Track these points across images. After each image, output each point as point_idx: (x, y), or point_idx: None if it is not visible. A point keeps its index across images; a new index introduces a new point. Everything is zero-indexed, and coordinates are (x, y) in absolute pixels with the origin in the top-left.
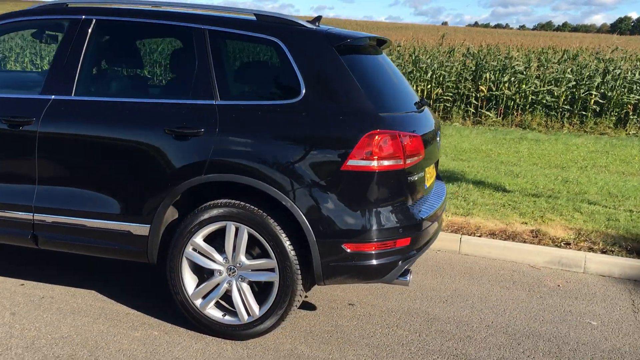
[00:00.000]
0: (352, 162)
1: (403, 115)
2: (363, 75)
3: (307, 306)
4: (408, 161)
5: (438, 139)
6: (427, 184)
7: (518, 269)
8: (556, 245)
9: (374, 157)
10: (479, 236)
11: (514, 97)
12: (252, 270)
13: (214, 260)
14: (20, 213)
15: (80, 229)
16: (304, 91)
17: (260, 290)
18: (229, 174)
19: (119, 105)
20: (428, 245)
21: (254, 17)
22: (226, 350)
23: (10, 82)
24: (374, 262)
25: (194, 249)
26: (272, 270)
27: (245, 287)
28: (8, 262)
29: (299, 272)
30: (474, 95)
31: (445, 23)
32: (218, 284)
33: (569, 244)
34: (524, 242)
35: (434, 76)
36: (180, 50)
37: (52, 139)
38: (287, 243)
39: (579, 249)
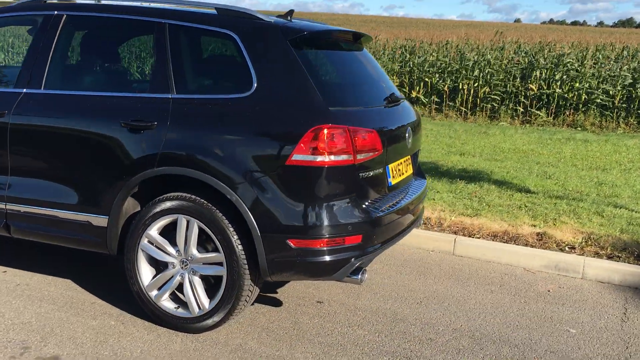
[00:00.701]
0: (297, 157)
1: (361, 110)
2: (321, 69)
3: (273, 302)
4: (359, 157)
5: (410, 135)
6: (394, 180)
7: (510, 272)
8: (560, 249)
9: (319, 152)
10: (479, 237)
11: (566, 95)
12: (203, 263)
13: (167, 253)
14: None
15: (47, 219)
16: (255, 85)
17: (213, 285)
18: (179, 167)
19: (82, 99)
20: (392, 242)
21: (214, 11)
22: (175, 342)
23: None
24: (321, 258)
25: (149, 241)
26: (220, 264)
27: (197, 280)
28: None
29: (246, 266)
30: (523, 93)
31: (518, 20)
32: (172, 277)
33: (574, 248)
34: (526, 244)
35: (481, 74)
36: (143, 45)
37: (22, 131)
38: (234, 237)
39: (582, 254)
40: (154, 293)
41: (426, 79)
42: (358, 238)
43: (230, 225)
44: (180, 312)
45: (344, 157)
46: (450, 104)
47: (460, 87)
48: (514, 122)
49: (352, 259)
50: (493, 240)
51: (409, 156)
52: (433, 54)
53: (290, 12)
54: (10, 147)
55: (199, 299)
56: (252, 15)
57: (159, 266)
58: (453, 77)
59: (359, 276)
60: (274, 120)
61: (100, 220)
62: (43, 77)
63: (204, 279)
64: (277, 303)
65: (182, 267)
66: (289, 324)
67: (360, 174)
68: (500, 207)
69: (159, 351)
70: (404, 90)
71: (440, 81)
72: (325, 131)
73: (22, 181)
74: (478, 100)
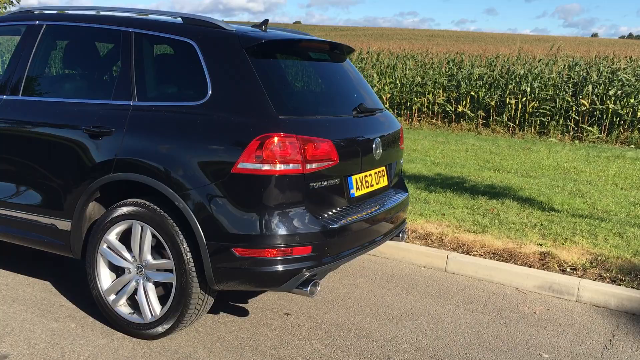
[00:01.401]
0: (242, 165)
1: (318, 120)
2: (281, 77)
3: (240, 312)
4: (309, 166)
5: (380, 146)
6: (358, 192)
7: (500, 292)
8: (561, 270)
9: (265, 160)
10: (478, 255)
11: (620, 111)
12: (156, 270)
13: (124, 258)
14: None
15: (17, 221)
16: (209, 93)
17: (167, 292)
18: (132, 173)
19: (53, 105)
20: (356, 254)
21: (179, 20)
22: (126, 348)
23: None
24: (266, 269)
25: (108, 247)
26: (170, 271)
27: (150, 286)
28: None
29: (194, 274)
30: (574, 109)
31: (595, 35)
32: (128, 282)
33: (575, 269)
34: (525, 264)
35: (529, 89)
36: (111, 53)
37: (0, 136)
38: (183, 244)
39: (582, 276)
40: (111, 298)
41: (472, 93)
42: (307, 249)
43: (180, 232)
44: (134, 317)
45: (291, 166)
46: (498, 119)
47: (508, 101)
48: (564, 139)
49: (303, 270)
50: (492, 258)
51: (383, 167)
52: (480, 67)
53: (265, 21)
54: None
55: (151, 305)
56: (214, 24)
57: (117, 271)
58: (500, 92)
59: (309, 288)
60: (223, 128)
61: (65, 224)
62: (22, 85)
63: (159, 286)
64: (244, 313)
65: (137, 273)
66: (247, 335)
67: (311, 184)
68: (512, 225)
69: (106, 356)
70: (450, 105)
71: (487, 95)
72: (272, 139)
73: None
74: (526, 115)
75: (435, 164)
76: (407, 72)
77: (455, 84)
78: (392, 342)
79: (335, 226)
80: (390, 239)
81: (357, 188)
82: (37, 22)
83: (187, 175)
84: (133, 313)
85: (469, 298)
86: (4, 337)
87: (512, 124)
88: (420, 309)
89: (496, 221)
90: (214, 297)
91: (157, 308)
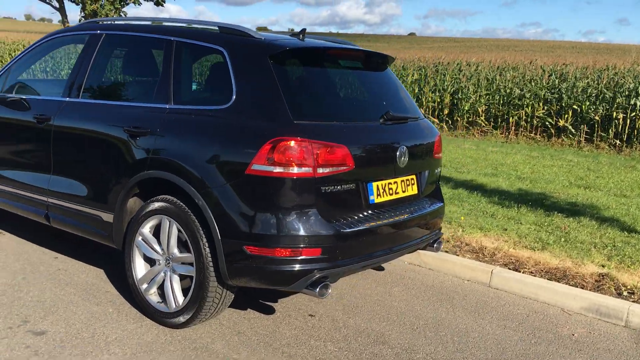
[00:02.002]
0: (255, 167)
1: (337, 125)
2: (301, 83)
3: (266, 310)
4: (321, 170)
5: (405, 154)
6: (379, 199)
7: (542, 311)
8: (618, 293)
9: (276, 163)
10: (529, 272)
11: None
12: (181, 263)
13: (155, 250)
14: (38, 196)
15: (74, 212)
16: (234, 97)
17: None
18: (162, 171)
19: (103, 107)
20: (373, 262)
21: (216, 29)
22: (150, 334)
23: (47, 87)
24: (276, 267)
25: (142, 239)
26: (191, 264)
27: (175, 278)
28: (64, 240)
29: (211, 269)
30: None
31: None
32: (158, 273)
33: (633, 293)
34: (577, 285)
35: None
36: (156, 59)
37: (61, 134)
38: (203, 240)
39: (637, 300)
40: (143, 286)
41: (575, 106)
42: (317, 251)
43: (200, 228)
44: (161, 306)
45: (302, 169)
46: (603, 134)
47: (615, 116)
48: None
49: (314, 272)
50: (543, 276)
51: (413, 176)
52: (585, 79)
53: (303, 30)
54: (53, 147)
55: (175, 296)
56: (244, 32)
57: (150, 262)
58: (606, 106)
59: (317, 289)
60: (241, 131)
61: (108, 216)
62: (81, 88)
63: (185, 278)
64: (269, 311)
65: (165, 265)
66: (266, 332)
67: (323, 188)
68: (579, 244)
69: (131, 339)
70: (550, 118)
71: (592, 109)
72: (283, 143)
73: (59, 177)
74: (635, 131)
75: (520, 178)
76: (507, 83)
77: (557, 96)
78: (407, 351)
79: (347, 231)
80: (423, 249)
81: (378, 195)
82: (98, 31)
83: (207, 174)
84: (161, 302)
85: (506, 315)
86: (47, 316)
87: (618, 141)
88: (449, 321)
89: (562, 239)
90: (233, 292)
91: (180, 299)
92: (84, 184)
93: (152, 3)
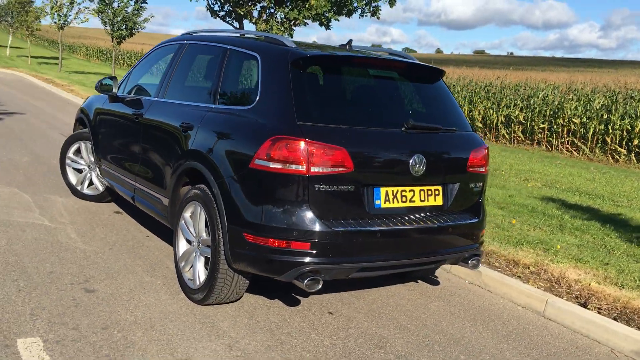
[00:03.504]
0: (257, 162)
1: (342, 129)
2: (317, 88)
3: (291, 302)
4: (315, 169)
5: (422, 164)
6: (387, 204)
7: (585, 347)
8: None
9: (272, 159)
10: (598, 309)
11: None
12: (206, 245)
13: (191, 233)
14: (129, 179)
15: (147, 195)
16: (257, 98)
17: None
18: (194, 161)
19: (172, 105)
20: (379, 267)
21: (262, 38)
22: (175, 305)
23: (150, 89)
24: (268, 256)
25: (184, 222)
26: (209, 247)
27: (201, 259)
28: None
29: (222, 252)
30: None
31: None
32: (191, 253)
33: None
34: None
35: None
36: (213, 64)
37: (146, 127)
38: (218, 225)
39: None
40: (182, 264)
41: None
42: (305, 245)
43: (217, 214)
44: (190, 283)
45: (296, 167)
46: None
47: None
48: None
49: (303, 265)
50: (616, 318)
51: (438, 187)
52: None
53: (349, 42)
54: (141, 139)
55: (199, 275)
56: (279, 41)
57: (189, 243)
58: None
59: (305, 282)
60: (253, 129)
61: (166, 200)
62: (166, 89)
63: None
64: (293, 303)
65: (197, 247)
66: (276, 320)
67: (317, 186)
68: None
69: (157, 307)
70: None
71: None
72: (281, 141)
73: (142, 165)
74: None
75: None
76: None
77: None
78: (399, 359)
79: (340, 230)
80: (456, 264)
81: (387, 200)
82: (185, 41)
83: (223, 166)
84: (191, 280)
85: (540, 345)
86: (106, 279)
87: None
88: (467, 341)
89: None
90: (246, 278)
91: (202, 278)
92: (155, 171)
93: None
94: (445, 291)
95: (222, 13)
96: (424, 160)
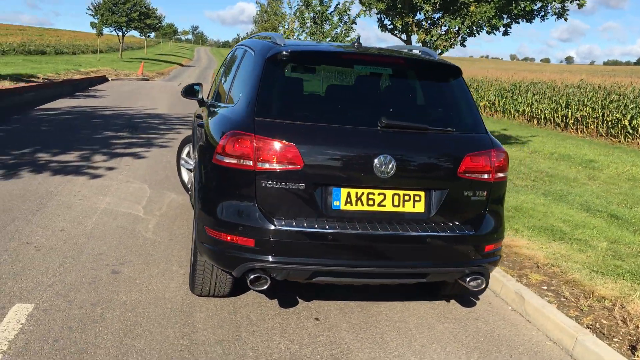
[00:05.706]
0: (217, 156)
1: (298, 125)
2: (288, 85)
3: (284, 303)
4: (262, 165)
5: (390, 166)
6: (347, 206)
7: None
8: None
9: (225, 153)
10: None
11: None
12: None
13: None
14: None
15: None
16: (240, 95)
17: None
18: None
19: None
20: (335, 271)
21: (269, 38)
22: (178, 290)
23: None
24: (218, 249)
25: None
26: None
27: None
28: None
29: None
30: None
31: None
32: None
33: None
34: None
35: None
36: (236, 65)
37: (201, 127)
38: (194, 216)
39: None
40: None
41: None
42: (250, 241)
43: (193, 206)
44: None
45: (245, 162)
46: None
47: None
48: None
49: (248, 262)
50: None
51: (420, 192)
52: None
53: (357, 38)
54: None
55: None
56: (271, 38)
57: None
58: None
59: (249, 279)
60: (223, 125)
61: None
62: (219, 94)
63: None
64: (287, 305)
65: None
66: (255, 319)
67: (264, 183)
68: None
69: (156, 292)
70: None
71: None
72: (232, 136)
73: None
74: None
75: None
76: None
77: None
78: None
79: (285, 228)
80: (452, 281)
81: (348, 202)
82: (244, 48)
83: (200, 159)
84: None
85: None
86: (137, 264)
87: None
88: None
89: None
90: (228, 273)
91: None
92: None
93: None
94: (471, 315)
95: (390, 26)
96: (393, 161)
